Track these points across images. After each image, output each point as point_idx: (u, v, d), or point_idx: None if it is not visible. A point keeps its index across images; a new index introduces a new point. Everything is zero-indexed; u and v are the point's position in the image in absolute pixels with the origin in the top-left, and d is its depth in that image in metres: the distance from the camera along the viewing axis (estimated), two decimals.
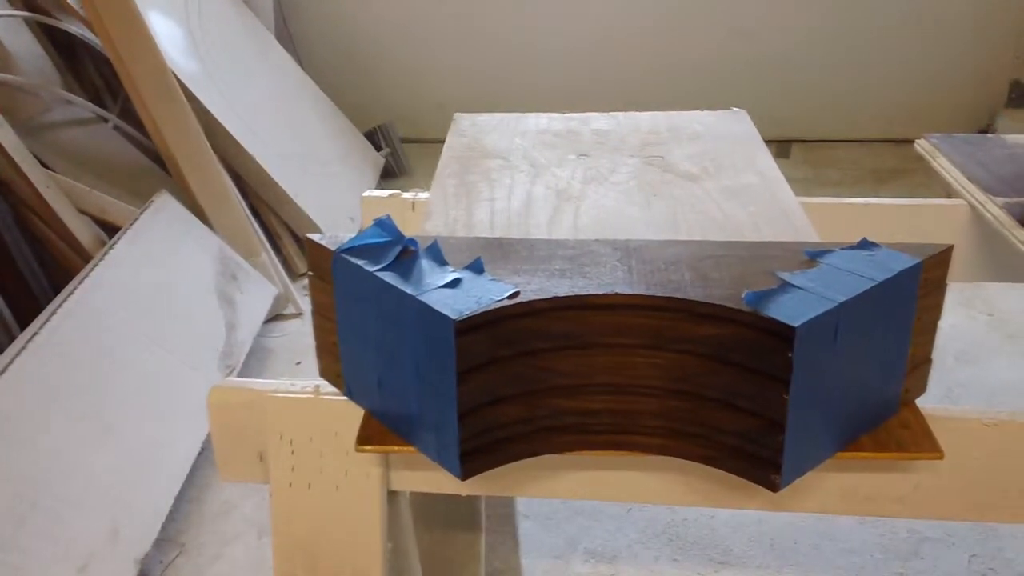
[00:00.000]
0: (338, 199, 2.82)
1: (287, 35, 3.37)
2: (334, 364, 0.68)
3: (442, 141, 1.18)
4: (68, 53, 2.67)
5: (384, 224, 0.66)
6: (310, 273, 0.67)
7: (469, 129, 1.23)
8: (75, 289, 1.84)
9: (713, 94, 3.37)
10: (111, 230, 2.20)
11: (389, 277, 0.60)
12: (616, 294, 0.58)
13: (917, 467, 0.65)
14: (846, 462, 0.63)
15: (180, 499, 1.71)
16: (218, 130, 2.51)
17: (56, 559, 1.41)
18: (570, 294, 0.58)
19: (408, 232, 1.10)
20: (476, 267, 0.61)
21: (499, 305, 0.57)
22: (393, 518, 0.76)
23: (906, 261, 0.60)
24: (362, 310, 0.63)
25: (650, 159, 1.14)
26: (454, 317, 0.55)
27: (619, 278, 0.60)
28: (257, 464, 0.73)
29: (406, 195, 1.11)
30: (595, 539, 1.56)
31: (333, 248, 0.64)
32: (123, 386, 1.76)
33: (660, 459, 0.62)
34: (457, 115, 1.29)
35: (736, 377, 0.57)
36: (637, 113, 1.31)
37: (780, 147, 3.44)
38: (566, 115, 1.27)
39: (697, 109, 1.32)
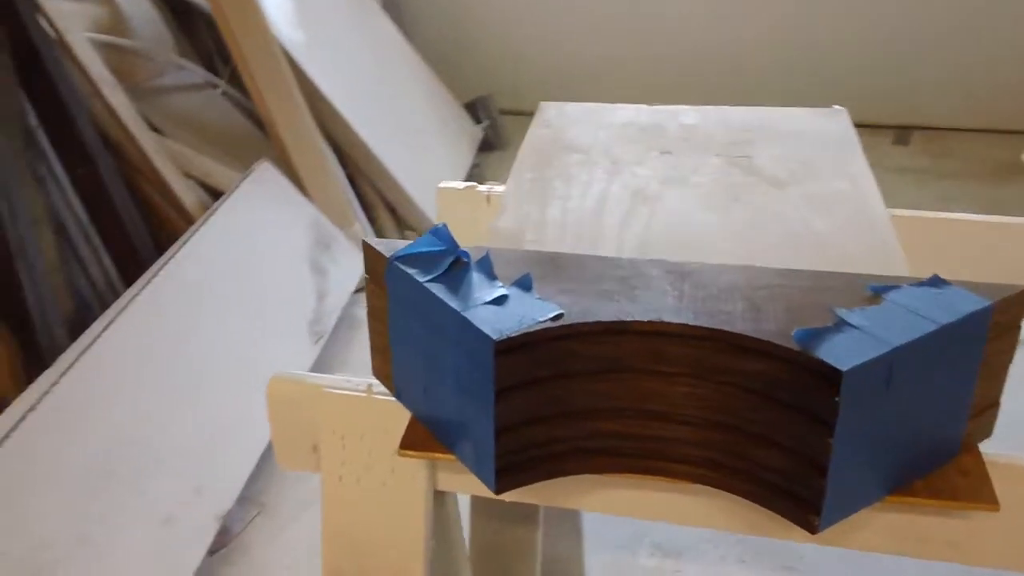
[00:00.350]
0: (433, 171, 2.84)
1: (393, 2, 3.39)
2: (385, 366, 0.69)
3: None
4: (184, 18, 2.75)
5: (439, 233, 0.66)
6: (366, 276, 0.68)
7: (554, 119, 1.22)
8: (176, 252, 1.91)
9: (836, 78, 3.26)
10: (215, 195, 2.27)
11: (437, 289, 0.60)
12: (661, 322, 0.57)
13: (975, 512, 0.63)
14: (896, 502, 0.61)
15: (263, 461, 1.77)
16: (320, 99, 2.56)
17: (141, 512, 1.48)
18: (613, 319, 0.57)
19: (481, 226, 1.11)
20: (524, 284, 0.61)
21: (541, 327, 0.56)
22: (440, 517, 0.77)
23: (975, 303, 0.57)
24: (411, 318, 0.64)
25: (736, 159, 1.11)
26: (494, 337, 0.55)
27: (667, 304, 0.59)
28: (311, 455, 0.75)
29: (481, 188, 1.11)
30: (662, 533, 1.55)
31: (387, 255, 0.64)
32: (214, 349, 1.82)
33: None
34: (543, 104, 1.28)
35: (780, 415, 0.56)
36: (729, 107, 1.28)
37: (900, 134, 3.30)
38: (654, 107, 1.25)
39: (822, 92, 1.27)
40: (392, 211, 2.71)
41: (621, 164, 1.08)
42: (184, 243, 1.93)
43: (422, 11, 3.50)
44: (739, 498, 0.61)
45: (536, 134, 1.18)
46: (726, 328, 0.56)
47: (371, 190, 2.70)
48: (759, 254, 0.88)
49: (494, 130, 3.33)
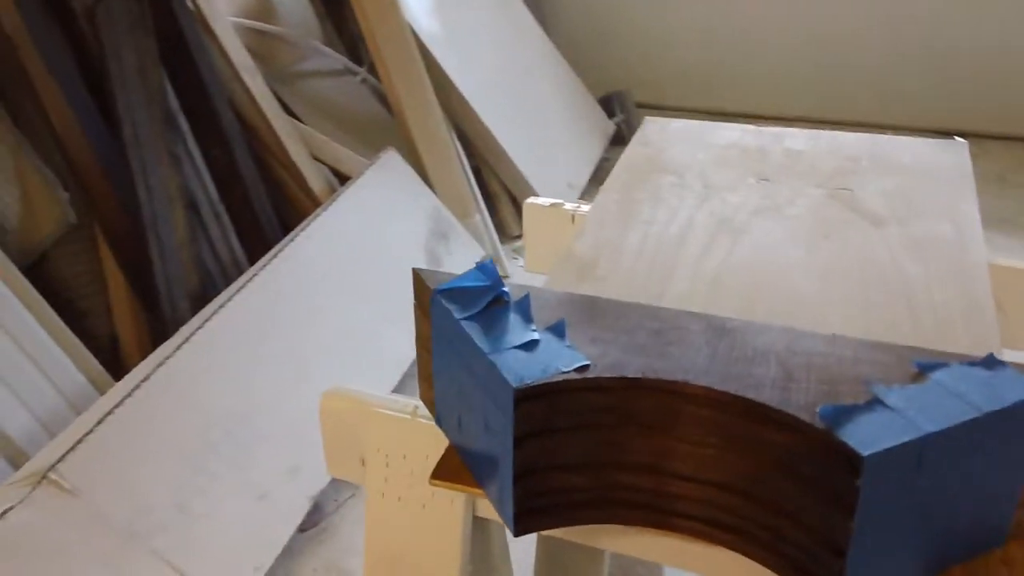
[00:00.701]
0: (561, 165, 2.84)
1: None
2: (429, 392, 0.70)
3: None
4: (332, 5, 2.83)
5: (486, 269, 0.66)
6: (415, 302, 0.69)
7: (654, 137, 1.20)
8: (297, 235, 1.98)
9: (978, 89, 3.08)
10: (345, 180, 2.34)
11: (470, 327, 0.61)
12: (683, 383, 0.56)
13: None
14: None
15: None
16: (450, 89, 2.59)
17: (239, 487, 1.55)
18: (637, 375, 0.56)
19: (564, 245, 1.10)
20: (558, 330, 0.60)
21: (563, 378, 0.56)
22: (481, 543, 0.78)
23: None
24: (450, 350, 0.64)
25: (837, 191, 1.07)
26: (514, 384, 0.55)
27: (697, 364, 0.57)
28: (359, 467, 0.77)
29: (567, 207, 1.11)
30: None
31: (432, 286, 0.65)
32: (327, 330, 1.89)
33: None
34: (647, 119, 1.26)
35: (803, 490, 0.54)
36: (841, 133, 1.23)
37: None
38: (761, 129, 1.21)
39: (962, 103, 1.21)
40: (515, 203, 2.72)
41: (714, 189, 1.06)
42: (306, 226, 2.00)
43: (563, 3, 3.49)
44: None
45: (633, 152, 1.17)
46: (750, 396, 0.54)
47: (495, 181, 2.72)
48: (837, 297, 0.85)
49: (628, 125, 3.30)
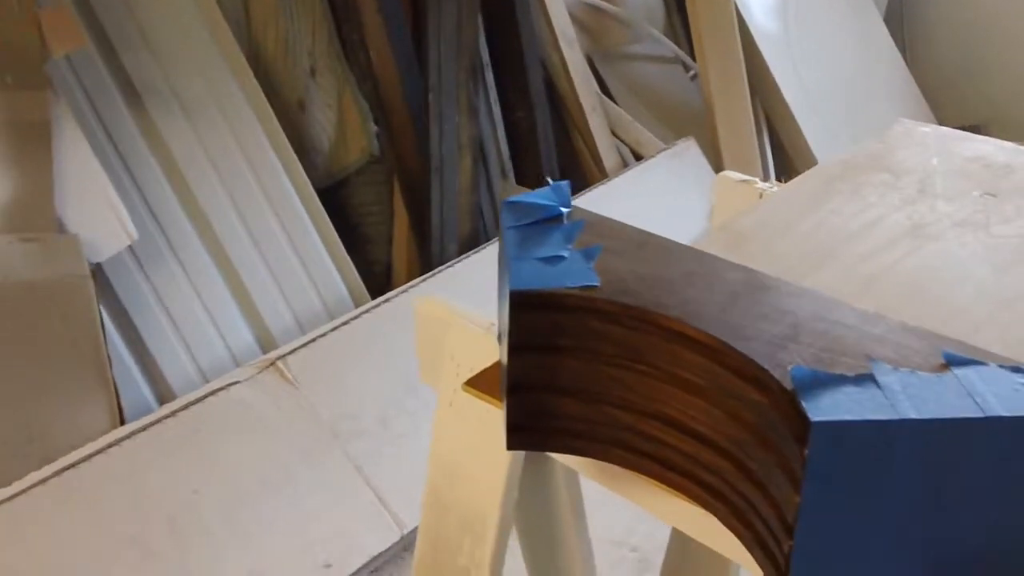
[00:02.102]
0: None
1: (898, 18, 3.16)
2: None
3: None
4: None
5: (559, 189, 0.65)
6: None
7: (892, 137, 1.10)
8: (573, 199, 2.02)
9: None
10: None
11: (509, 234, 0.60)
12: (678, 320, 0.51)
13: None
14: None
15: None
16: (774, 93, 2.50)
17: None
18: (634, 304, 0.53)
19: None
20: (589, 253, 0.58)
21: (562, 291, 0.54)
22: (538, 481, 0.77)
23: None
24: (503, 263, 0.64)
25: None
26: (512, 287, 0.54)
27: (706, 309, 0.52)
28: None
29: (760, 184, 1.04)
30: None
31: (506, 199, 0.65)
32: None
33: None
34: (900, 119, 1.15)
35: (771, 457, 0.48)
36: None
37: None
38: (1021, 147, 1.06)
39: None
40: None
41: (927, 195, 0.95)
42: (583, 193, 2.04)
43: (930, 31, 3.22)
44: None
45: (862, 147, 1.07)
46: (736, 346, 0.49)
47: None
48: (1008, 320, 0.73)
49: None
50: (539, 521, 0.82)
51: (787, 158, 2.57)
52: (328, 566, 1.39)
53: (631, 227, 0.63)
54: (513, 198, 0.65)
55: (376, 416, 1.55)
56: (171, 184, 1.67)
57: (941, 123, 2.96)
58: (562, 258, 0.58)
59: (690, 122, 2.59)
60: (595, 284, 0.55)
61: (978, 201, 0.93)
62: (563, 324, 0.55)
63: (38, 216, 1.45)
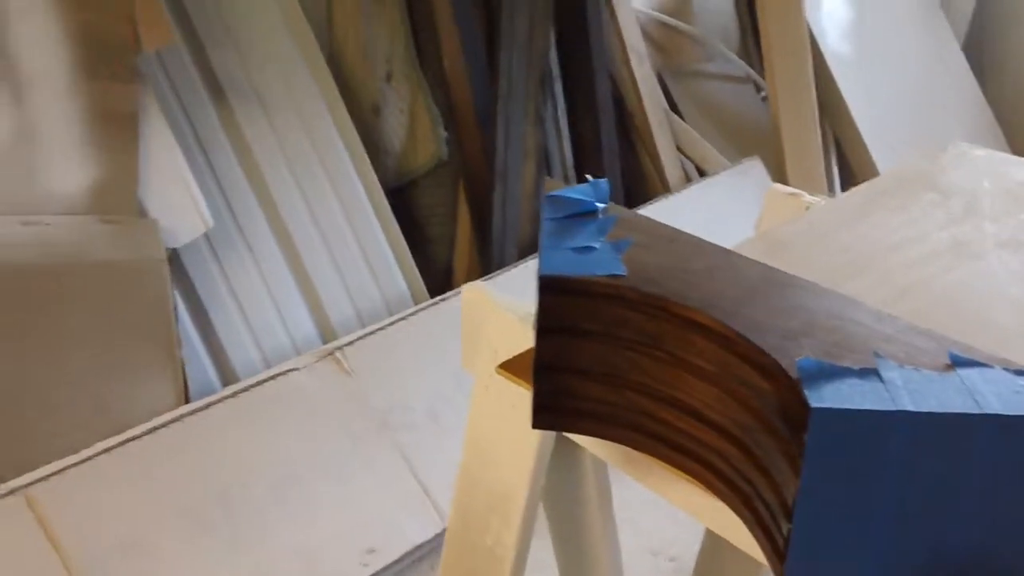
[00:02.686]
0: None
1: (978, 45, 3.11)
2: None
3: None
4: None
5: (598, 186, 0.68)
6: None
7: (944, 157, 1.10)
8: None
9: None
10: None
11: (548, 226, 0.64)
12: (697, 310, 0.54)
13: None
14: None
15: None
16: (845, 117, 2.49)
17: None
18: (657, 293, 0.56)
19: None
20: (620, 246, 0.61)
21: (588, 278, 0.57)
22: (568, 469, 0.80)
23: None
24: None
25: None
26: (542, 272, 0.58)
27: (723, 302, 0.55)
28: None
29: (807, 198, 1.06)
30: None
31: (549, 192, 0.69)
32: None
33: None
34: (954, 143, 1.16)
35: (775, 443, 0.50)
36: None
37: None
38: None
39: None
40: None
41: (975, 215, 0.96)
42: (643, 206, 2.07)
43: (1008, 59, 3.16)
44: None
45: (912, 164, 1.08)
46: (749, 336, 0.52)
47: None
48: None
49: None
50: (567, 509, 0.85)
51: (855, 181, 2.55)
52: (371, 551, 1.43)
53: (663, 225, 0.66)
54: (554, 192, 0.69)
55: (426, 409, 1.59)
56: (247, 177, 1.75)
57: (1017, 153, 2.91)
58: (593, 249, 0.61)
59: (758, 142, 2.60)
60: (622, 274, 0.58)
61: None
62: (588, 309, 0.58)
63: (121, 200, 1.53)
